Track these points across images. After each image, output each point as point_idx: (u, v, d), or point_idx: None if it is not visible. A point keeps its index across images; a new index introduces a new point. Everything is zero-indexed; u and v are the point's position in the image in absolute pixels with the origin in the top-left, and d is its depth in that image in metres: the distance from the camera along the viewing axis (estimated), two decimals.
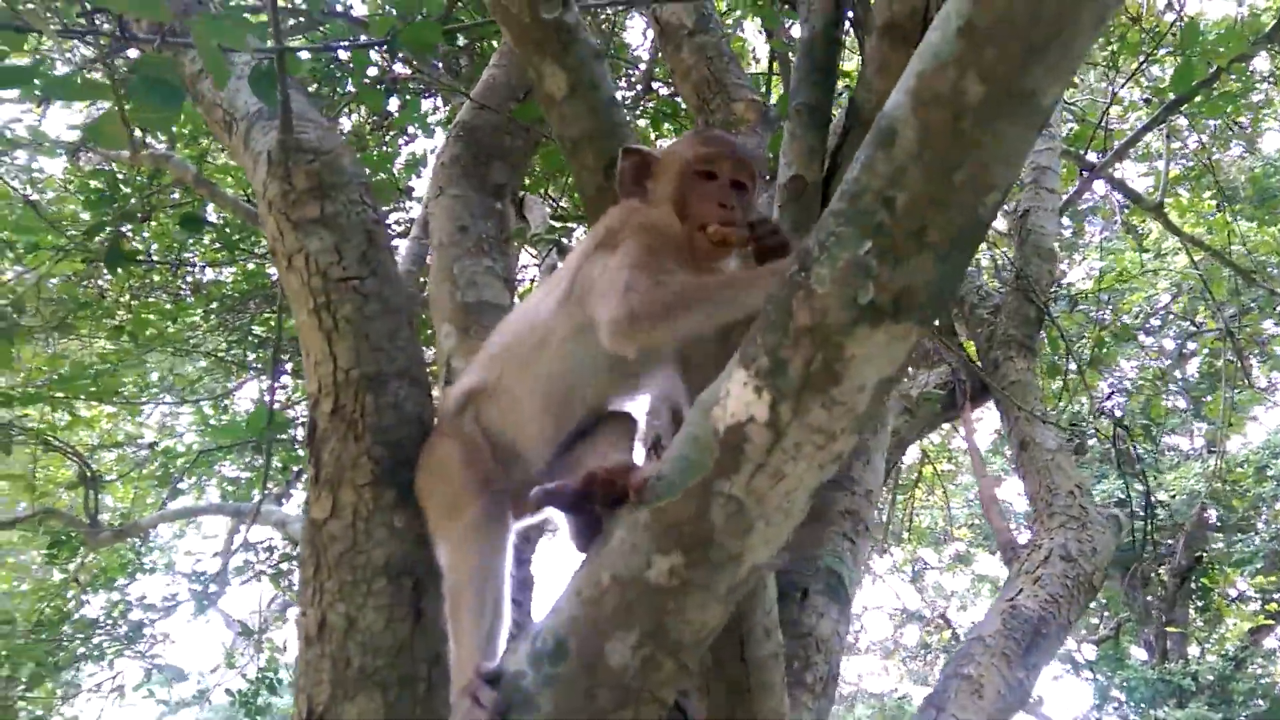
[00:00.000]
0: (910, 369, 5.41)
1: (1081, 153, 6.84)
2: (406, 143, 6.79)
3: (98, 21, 2.14)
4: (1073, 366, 5.22)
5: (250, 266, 6.94)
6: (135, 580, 7.69)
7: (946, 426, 5.47)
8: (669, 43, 3.58)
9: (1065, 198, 6.58)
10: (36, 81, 1.61)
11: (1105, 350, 5.21)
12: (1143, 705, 13.18)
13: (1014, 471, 4.43)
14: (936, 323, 5.34)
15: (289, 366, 6.91)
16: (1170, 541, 12.90)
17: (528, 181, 5.63)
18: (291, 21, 3.17)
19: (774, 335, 1.39)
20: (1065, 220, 10.69)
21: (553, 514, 1.80)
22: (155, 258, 7.00)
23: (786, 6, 4.14)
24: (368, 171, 5.74)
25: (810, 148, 2.43)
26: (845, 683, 17.86)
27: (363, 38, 2.47)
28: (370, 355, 1.95)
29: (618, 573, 1.40)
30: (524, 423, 1.79)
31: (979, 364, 4.91)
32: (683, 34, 3.52)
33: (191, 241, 6.10)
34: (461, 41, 4.79)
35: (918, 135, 1.32)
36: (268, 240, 2.13)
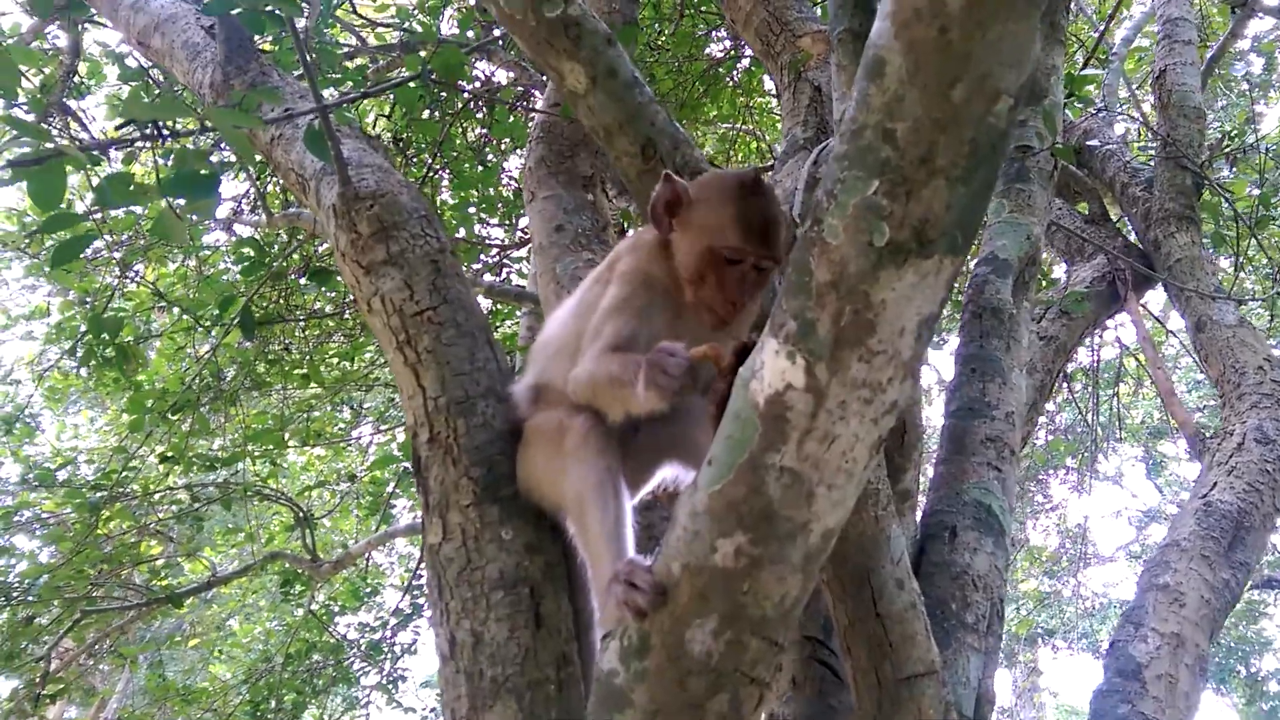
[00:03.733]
0: (1065, 265, 5.06)
1: None
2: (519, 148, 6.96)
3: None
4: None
5: None
6: (368, 601, 8.33)
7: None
8: None
9: (1219, 43, 5.95)
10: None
11: (1276, 207, 4.66)
12: None
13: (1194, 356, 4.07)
14: (1085, 209, 4.96)
15: None
16: None
17: None
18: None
19: (798, 298, 1.34)
20: (1254, 59, 9.63)
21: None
22: (326, 305, 7.51)
23: None
24: (477, 189, 5.94)
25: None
26: (1093, 594, 17.06)
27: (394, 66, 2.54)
28: (454, 380, 2.03)
29: (686, 562, 1.40)
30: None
31: (1140, 246, 4.53)
32: None
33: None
34: None
35: (905, 59, 1.23)
36: (349, 287, 2.25)
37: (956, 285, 5.22)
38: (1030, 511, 14.38)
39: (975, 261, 3.24)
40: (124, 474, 5.80)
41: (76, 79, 5.64)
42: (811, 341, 1.34)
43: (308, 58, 2.03)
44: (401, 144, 6.14)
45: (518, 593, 1.87)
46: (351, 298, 7.54)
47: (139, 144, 1.74)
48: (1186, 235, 4.20)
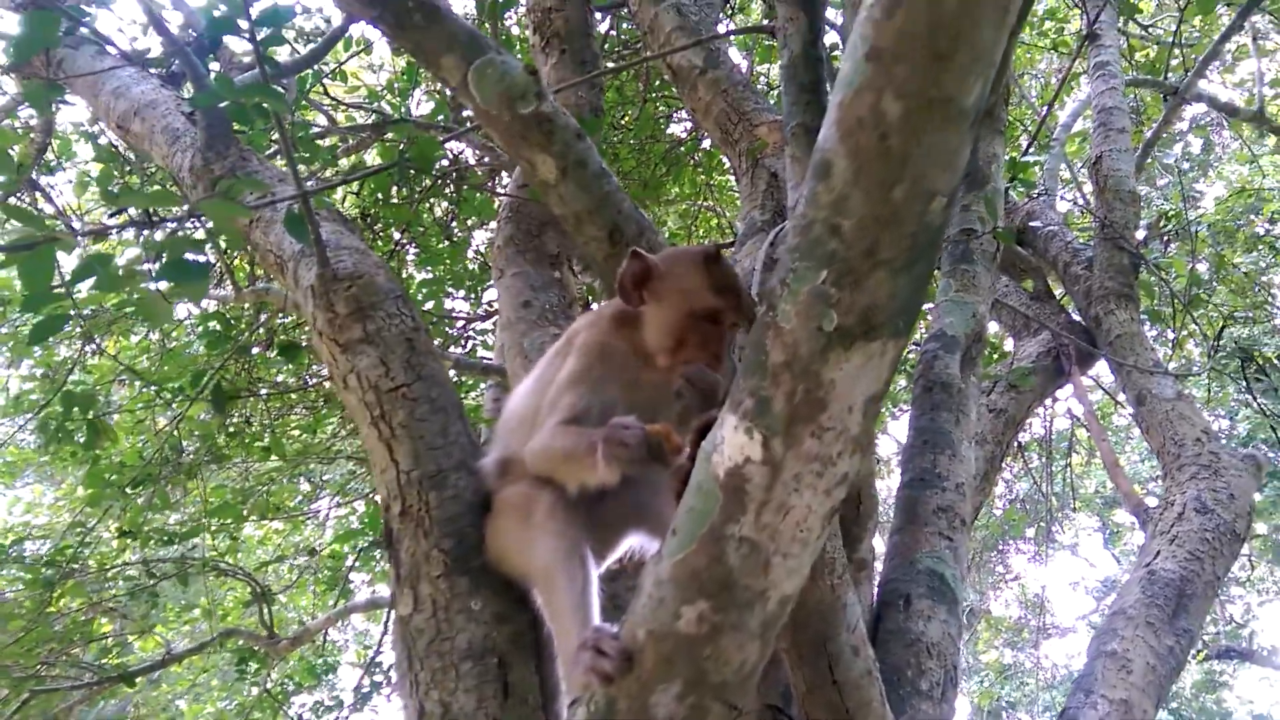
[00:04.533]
0: (1011, 340, 5.26)
1: (1164, 78, 6.53)
2: (485, 224, 7.11)
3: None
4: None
5: None
6: (324, 680, 8.17)
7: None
8: (684, 84, 3.67)
9: (1155, 128, 6.30)
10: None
11: (1209, 285, 4.91)
12: None
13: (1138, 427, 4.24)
14: (1030, 286, 5.18)
15: None
16: None
17: None
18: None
19: (754, 377, 1.45)
20: (1193, 140, 10.13)
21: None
22: (288, 379, 7.52)
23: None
24: (451, 256, 6.05)
25: None
26: (1054, 665, 17.12)
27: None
28: (427, 455, 2.11)
29: (651, 628, 1.47)
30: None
31: (1082, 322, 4.74)
32: (695, 74, 3.61)
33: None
34: None
35: (850, 162, 1.36)
36: (326, 365, 2.32)
37: (906, 360, 5.38)
38: (990, 582, 14.50)
39: (925, 338, 3.39)
40: (79, 549, 5.72)
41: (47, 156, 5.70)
42: (767, 418, 1.44)
43: (290, 146, 2.14)
44: (369, 219, 6.26)
45: (486, 663, 1.92)
46: (314, 372, 7.59)
47: (130, 229, 1.82)
48: (1125, 312, 4.41)
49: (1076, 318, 4.84)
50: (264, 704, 7.23)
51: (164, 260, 1.67)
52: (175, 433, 6.25)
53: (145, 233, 1.99)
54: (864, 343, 1.42)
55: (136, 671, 5.84)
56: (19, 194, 5.19)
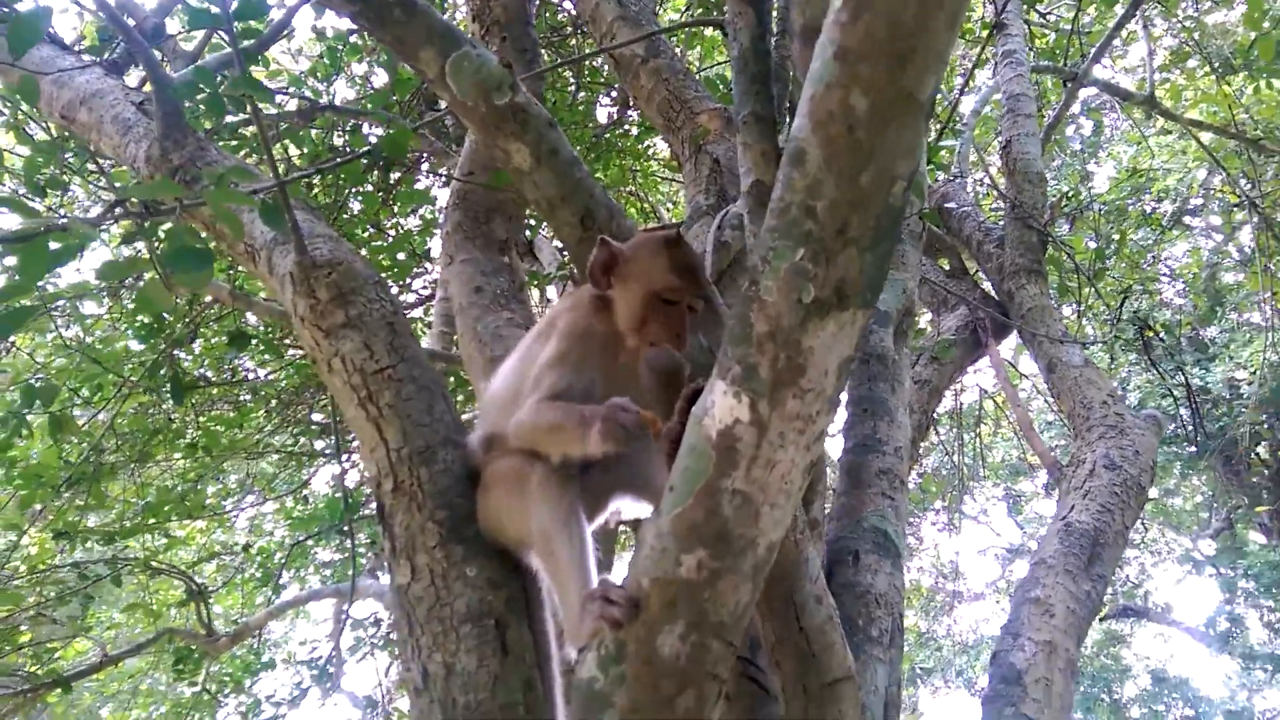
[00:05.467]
0: (931, 315, 5.55)
1: (1063, 64, 6.92)
2: (414, 210, 7.12)
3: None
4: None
5: (298, 361, 7.33)
6: (259, 679, 8.10)
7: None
8: (626, 73, 3.80)
9: (1055, 111, 6.68)
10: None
11: (1110, 259, 5.29)
12: (1273, 590, 13.00)
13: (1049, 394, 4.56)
14: (947, 264, 5.48)
15: (354, 446, 7.26)
16: (1265, 418, 12.63)
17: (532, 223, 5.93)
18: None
19: (741, 346, 1.61)
20: (1084, 122, 10.68)
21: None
22: (210, 373, 7.40)
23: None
24: (388, 249, 6.07)
25: (764, 152, 2.63)
26: (969, 630, 17.88)
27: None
28: (415, 432, 2.21)
29: (655, 576, 1.62)
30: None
31: (996, 297, 5.04)
32: (637, 63, 3.74)
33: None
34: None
35: (822, 151, 1.52)
36: (307, 350, 2.40)
37: None
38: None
39: None
40: (6, 553, 5.58)
41: None
42: (754, 382, 1.60)
43: (266, 137, 2.20)
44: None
45: (484, 625, 2.04)
46: (236, 367, 7.48)
47: (129, 221, 1.87)
48: (1035, 287, 4.72)
49: (990, 292, 5.15)
50: (200, 704, 7.15)
51: (165, 249, 1.74)
52: (102, 432, 6.13)
53: (146, 224, 2.03)
54: (837, 312, 1.59)
55: (73, 676, 5.73)
56: None
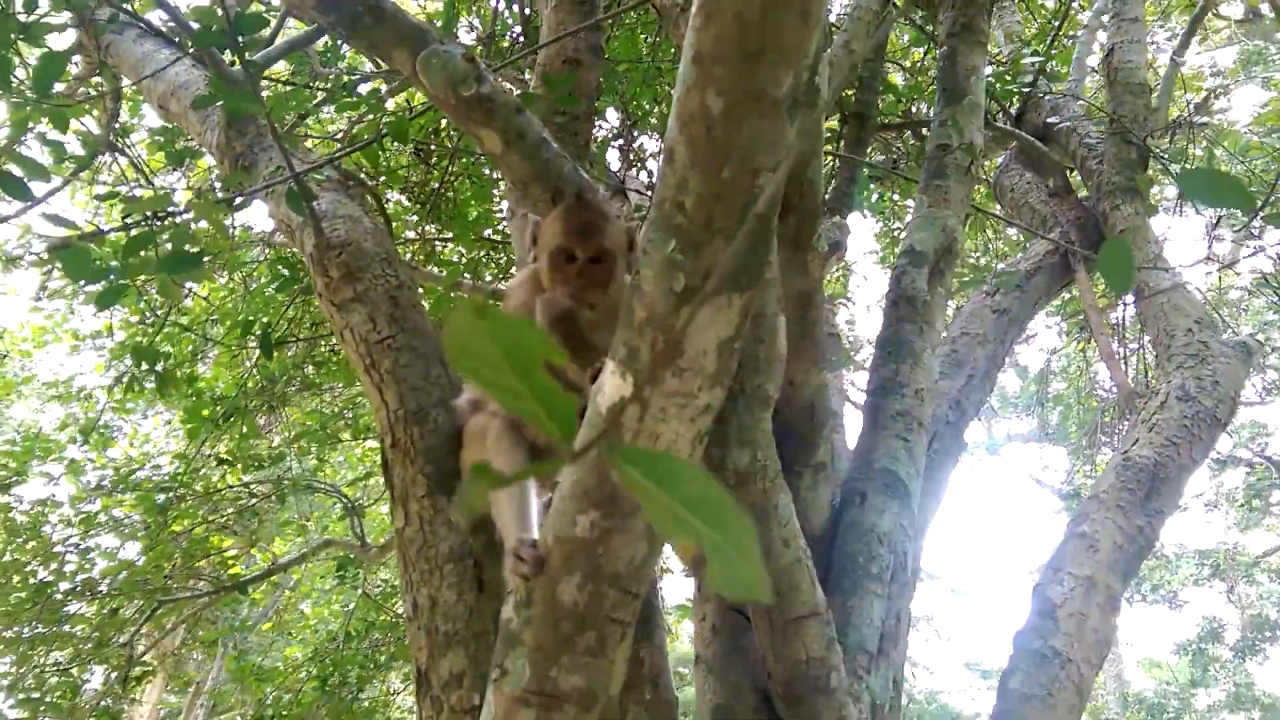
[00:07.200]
0: (1020, 239, 5.34)
1: None
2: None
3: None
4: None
5: None
6: None
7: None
8: (667, 21, 3.85)
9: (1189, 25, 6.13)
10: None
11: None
12: None
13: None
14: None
15: None
16: None
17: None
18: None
19: (626, 330, 1.77)
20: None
21: None
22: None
23: None
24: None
25: None
26: (1173, 545, 17.16)
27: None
28: (410, 395, 2.49)
29: (556, 533, 1.84)
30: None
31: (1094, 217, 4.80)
32: (677, 11, 3.78)
33: None
34: None
35: (687, 149, 1.65)
36: (328, 322, 2.72)
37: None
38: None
39: (898, 253, 3.60)
40: (187, 477, 6.44)
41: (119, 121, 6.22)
42: (636, 363, 1.76)
43: (279, 137, 2.49)
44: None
45: (464, 564, 2.33)
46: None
47: (144, 227, 2.21)
48: (1130, 207, 4.47)
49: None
50: (366, 606, 8.02)
51: (165, 253, 2.07)
52: (267, 366, 6.88)
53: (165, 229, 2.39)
54: (711, 296, 1.73)
55: (246, 581, 6.60)
56: (98, 155, 5.75)
